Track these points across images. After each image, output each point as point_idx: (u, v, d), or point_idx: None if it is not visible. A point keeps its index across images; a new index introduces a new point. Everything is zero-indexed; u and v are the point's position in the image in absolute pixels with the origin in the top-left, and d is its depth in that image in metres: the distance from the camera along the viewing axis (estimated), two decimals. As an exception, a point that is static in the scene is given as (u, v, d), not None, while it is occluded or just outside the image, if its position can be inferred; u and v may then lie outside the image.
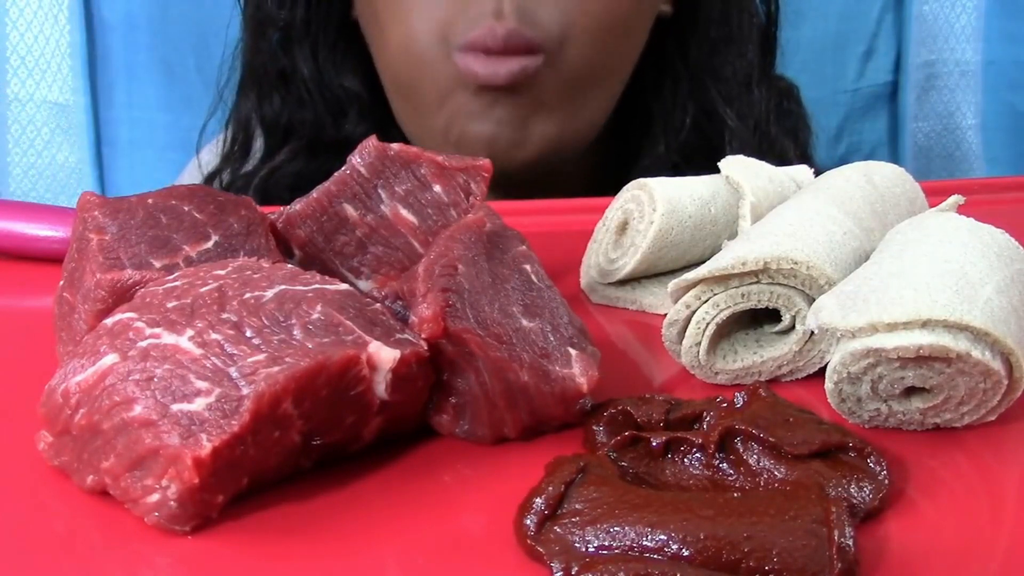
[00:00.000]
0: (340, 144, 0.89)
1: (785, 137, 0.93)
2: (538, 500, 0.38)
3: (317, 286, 0.44)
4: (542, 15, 0.76)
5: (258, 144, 0.93)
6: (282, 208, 0.53)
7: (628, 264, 0.58)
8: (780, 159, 0.86)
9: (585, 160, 0.89)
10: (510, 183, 0.80)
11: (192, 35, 1.12)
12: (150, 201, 0.49)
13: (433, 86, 0.79)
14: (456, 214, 0.53)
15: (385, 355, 0.41)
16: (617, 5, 0.79)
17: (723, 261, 0.48)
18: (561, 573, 0.35)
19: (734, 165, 0.59)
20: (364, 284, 0.53)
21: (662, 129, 0.91)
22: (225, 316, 0.41)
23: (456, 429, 0.44)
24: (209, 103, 0.97)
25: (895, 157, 1.24)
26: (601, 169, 0.92)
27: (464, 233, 0.47)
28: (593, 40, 0.78)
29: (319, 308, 0.42)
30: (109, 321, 0.42)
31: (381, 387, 0.41)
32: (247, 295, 0.42)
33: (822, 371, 0.47)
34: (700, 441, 0.41)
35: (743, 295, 0.49)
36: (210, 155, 0.97)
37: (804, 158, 0.94)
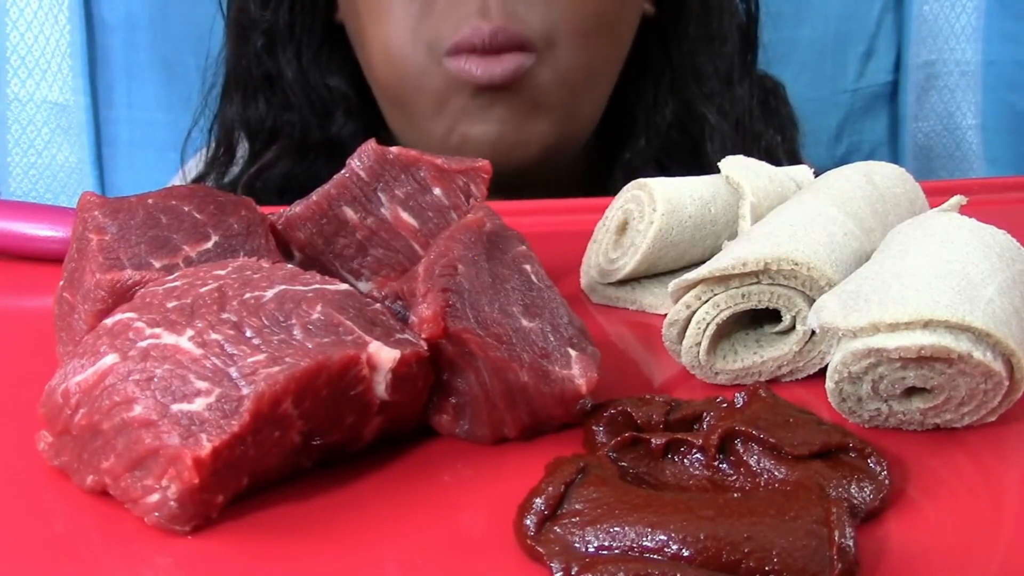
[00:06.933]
0: (328, 145, 0.90)
1: (773, 134, 0.94)
2: (538, 500, 0.38)
3: (317, 286, 0.43)
4: (528, 13, 0.76)
5: (243, 148, 0.93)
6: (281, 210, 0.53)
7: (628, 264, 0.58)
8: (767, 156, 0.86)
9: (572, 159, 0.89)
10: (508, 185, 0.80)
11: (192, 35, 1.12)
12: (150, 201, 0.49)
13: (425, 93, 0.79)
14: (456, 216, 0.53)
15: (385, 355, 0.41)
16: (603, 5, 0.80)
17: (723, 261, 0.48)
18: (561, 573, 0.35)
19: (734, 165, 0.59)
20: (364, 286, 0.53)
21: (644, 126, 0.92)
22: (225, 316, 0.41)
23: (456, 429, 0.44)
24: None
25: (895, 157, 1.24)
26: (586, 166, 0.92)
27: (464, 233, 0.47)
28: (581, 40, 0.79)
29: (319, 308, 0.42)
30: (109, 321, 0.42)
31: (381, 387, 0.41)
32: (247, 295, 0.42)
33: (822, 371, 0.47)
34: (700, 442, 0.41)
35: (743, 295, 0.49)
36: (196, 165, 0.97)
37: (792, 155, 0.95)
